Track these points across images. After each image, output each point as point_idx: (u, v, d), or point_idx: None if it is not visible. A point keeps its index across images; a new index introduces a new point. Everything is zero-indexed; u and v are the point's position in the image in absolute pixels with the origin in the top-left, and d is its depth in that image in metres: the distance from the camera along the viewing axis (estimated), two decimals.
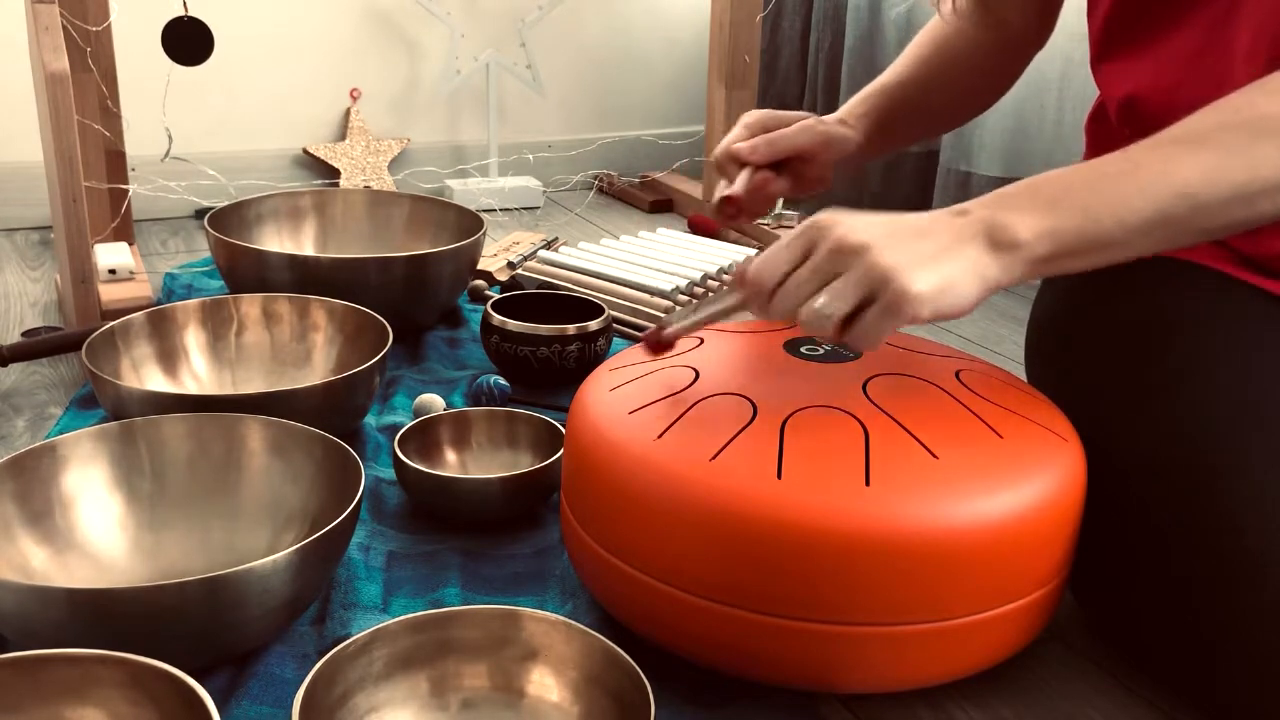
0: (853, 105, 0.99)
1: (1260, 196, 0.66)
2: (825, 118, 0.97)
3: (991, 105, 1.05)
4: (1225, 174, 0.66)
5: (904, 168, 1.93)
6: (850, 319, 0.68)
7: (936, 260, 0.67)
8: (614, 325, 1.27)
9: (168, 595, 0.67)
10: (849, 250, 0.67)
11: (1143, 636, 0.77)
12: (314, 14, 1.95)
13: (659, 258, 1.58)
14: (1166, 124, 0.82)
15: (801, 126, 0.93)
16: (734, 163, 0.93)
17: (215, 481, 0.88)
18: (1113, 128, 0.90)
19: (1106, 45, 0.87)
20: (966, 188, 1.73)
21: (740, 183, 0.91)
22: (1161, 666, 0.77)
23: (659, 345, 0.80)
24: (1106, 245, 0.68)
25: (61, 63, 1.16)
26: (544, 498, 0.95)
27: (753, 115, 0.94)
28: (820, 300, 0.67)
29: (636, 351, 0.86)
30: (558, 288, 1.41)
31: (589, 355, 1.20)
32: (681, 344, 0.85)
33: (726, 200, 0.91)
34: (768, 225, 1.80)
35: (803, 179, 0.95)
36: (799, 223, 1.83)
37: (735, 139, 0.93)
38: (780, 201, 1.82)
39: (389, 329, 1.10)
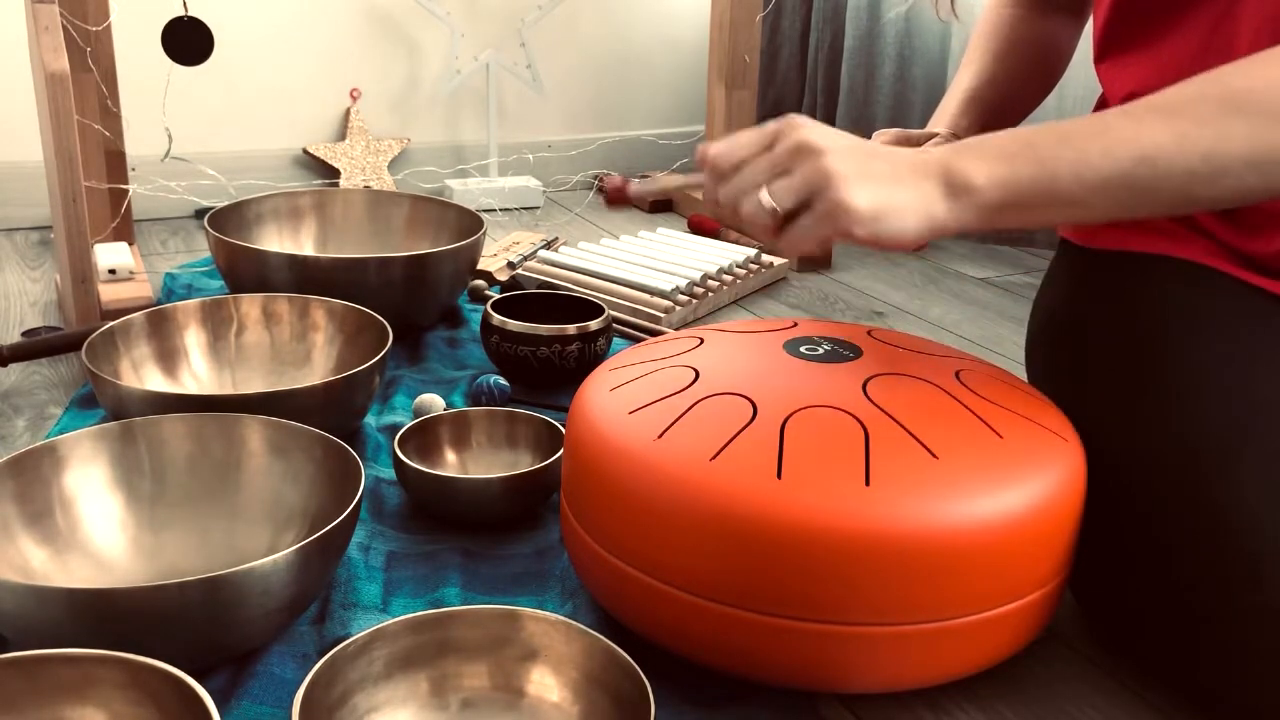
0: (955, 119, 0.95)
1: (1224, 173, 0.66)
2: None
3: (1054, 88, 1.03)
4: (1192, 143, 0.66)
5: None
6: (789, 220, 0.70)
7: (885, 183, 0.68)
8: (614, 325, 1.27)
9: (168, 595, 0.67)
10: (806, 150, 0.69)
11: (1142, 636, 0.77)
12: (314, 14, 1.95)
13: (659, 258, 1.58)
14: None
15: (938, 144, 0.90)
16: None
17: (215, 481, 0.88)
18: None
19: (1109, 43, 0.88)
20: None
21: None
22: (1160, 666, 0.77)
23: (617, 194, 0.84)
24: (1063, 202, 0.68)
25: (61, 63, 1.16)
26: (544, 498, 0.95)
27: (887, 134, 0.93)
28: (764, 191, 0.70)
29: (637, 351, 0.86)
30: (558, 288, 1.41)
31: (589, 355, 1.20)
32: (681, 344, 0.85)
33: None
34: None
35: None
36: None
37: None
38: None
39: (389, 329, 1.10)
